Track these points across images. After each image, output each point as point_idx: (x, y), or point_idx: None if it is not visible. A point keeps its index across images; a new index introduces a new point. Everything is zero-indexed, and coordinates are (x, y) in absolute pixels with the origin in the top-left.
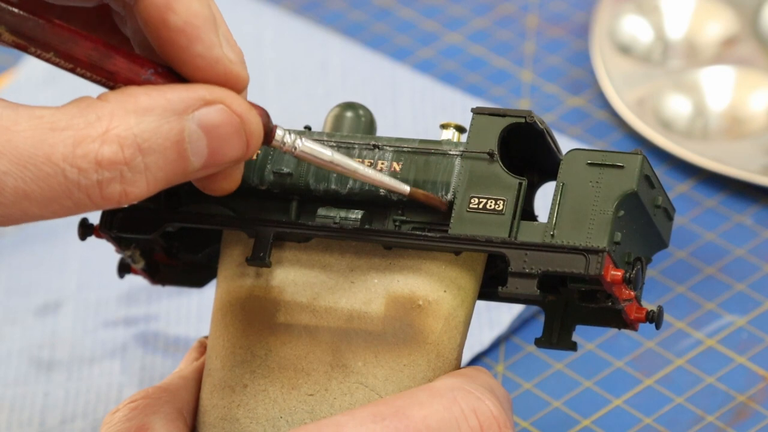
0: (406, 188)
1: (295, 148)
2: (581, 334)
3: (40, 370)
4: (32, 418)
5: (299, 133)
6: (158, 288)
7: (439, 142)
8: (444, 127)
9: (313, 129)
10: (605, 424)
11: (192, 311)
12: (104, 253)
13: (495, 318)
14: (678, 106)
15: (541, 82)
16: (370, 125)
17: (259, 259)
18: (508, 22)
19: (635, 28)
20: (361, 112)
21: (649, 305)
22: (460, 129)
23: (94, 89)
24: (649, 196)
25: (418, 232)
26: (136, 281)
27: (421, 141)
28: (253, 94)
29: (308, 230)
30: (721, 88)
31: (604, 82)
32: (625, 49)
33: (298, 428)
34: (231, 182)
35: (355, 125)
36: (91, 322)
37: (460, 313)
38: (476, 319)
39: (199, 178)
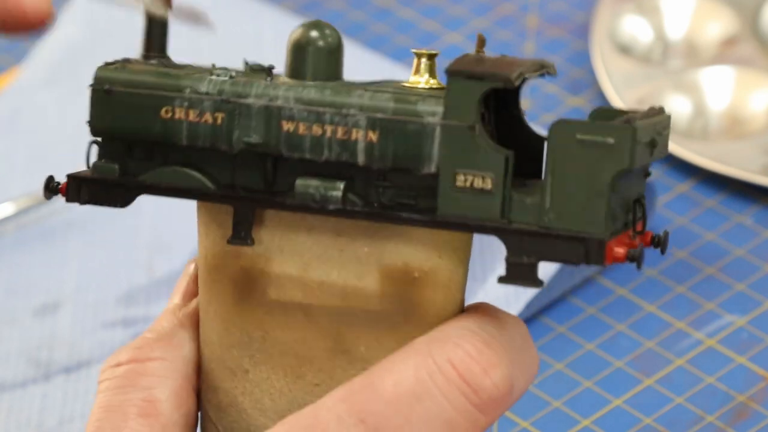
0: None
1: None
2: (580, 334)
3: (38, 371)
4: (30, 419)
5: None
6: (157, 289)
7: (417, 112)
8: (417, 55)
9: None
10: (605, 424)
11: None
12: (103, 254)
13: None
14: (678, 106)
15: (541, 82)
16: (336, 52)
17: (240, 239)
18: (508, 22)
19: (635, 28)
20: (325, 41)
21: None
22: (432, 57)
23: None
24: (644, 161)
25: (404, 214)
26: (135, 282)
27: (395, 94)
28: None
29: (289, 209)
30: (721, 88)
31: (604, 82)
32: (625, 49)
33: (282, 421)
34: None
35: (318, 61)
36: (90, 323)
37: (458, 275)
38: None
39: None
